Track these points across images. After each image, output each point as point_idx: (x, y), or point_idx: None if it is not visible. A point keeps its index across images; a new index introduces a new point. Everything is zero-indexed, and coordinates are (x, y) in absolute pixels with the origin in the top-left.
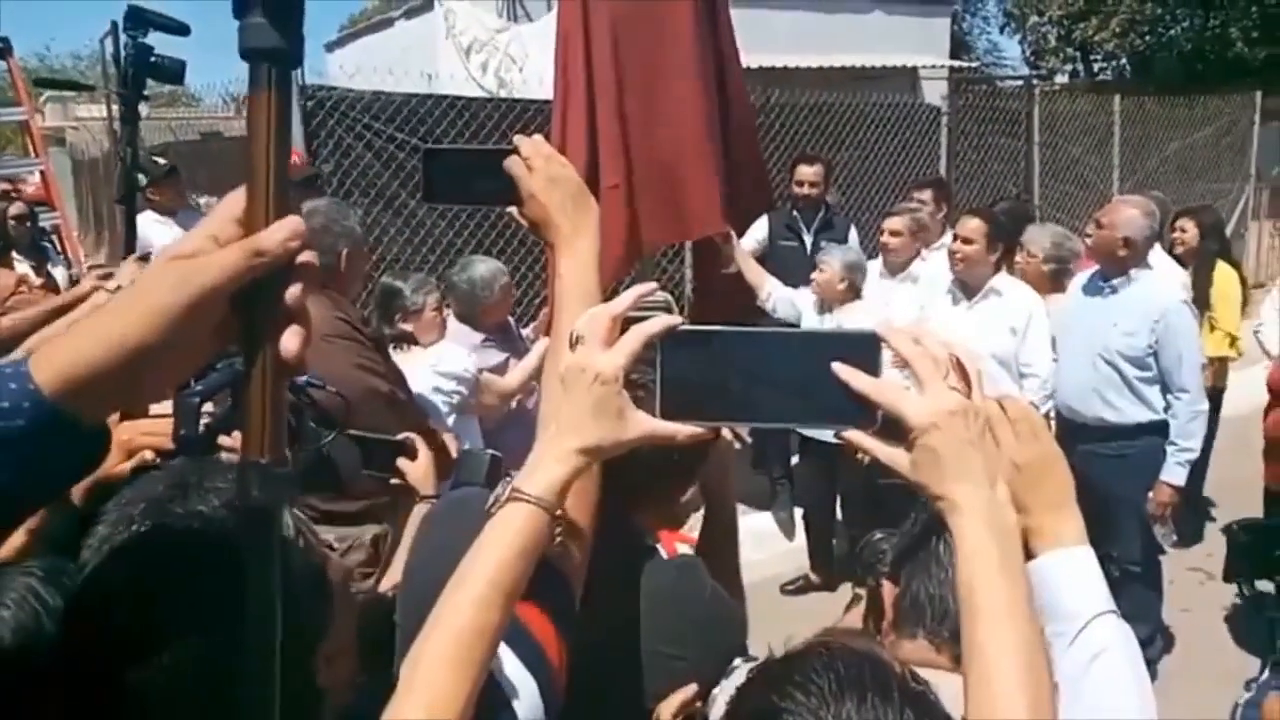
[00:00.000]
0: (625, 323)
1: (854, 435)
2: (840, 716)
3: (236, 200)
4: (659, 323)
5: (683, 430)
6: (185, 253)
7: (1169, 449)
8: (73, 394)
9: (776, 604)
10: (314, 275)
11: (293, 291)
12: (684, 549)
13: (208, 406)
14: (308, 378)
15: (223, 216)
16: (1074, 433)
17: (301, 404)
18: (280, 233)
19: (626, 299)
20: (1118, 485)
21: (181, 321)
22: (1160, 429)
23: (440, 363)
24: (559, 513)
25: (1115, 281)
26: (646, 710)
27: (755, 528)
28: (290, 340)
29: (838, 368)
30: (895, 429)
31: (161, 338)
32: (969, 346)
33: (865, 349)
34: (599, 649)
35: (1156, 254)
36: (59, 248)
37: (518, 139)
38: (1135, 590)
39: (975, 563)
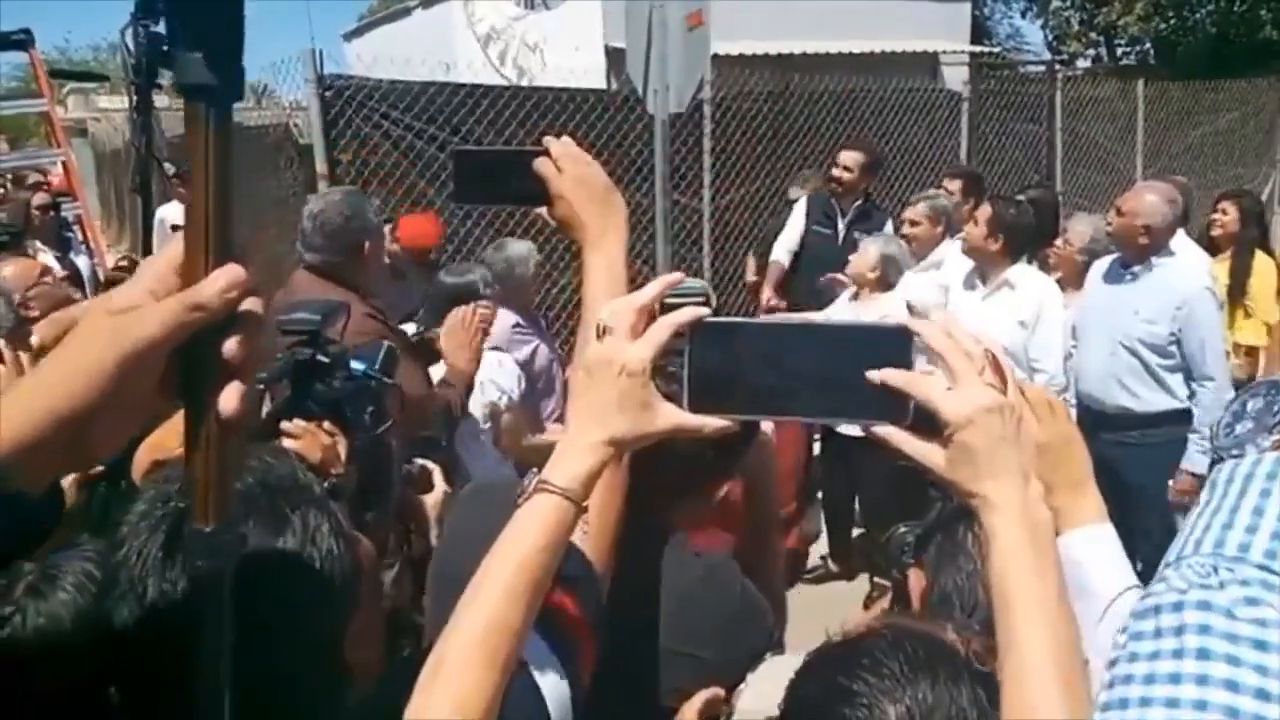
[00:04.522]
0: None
1: (885, 431)
2: (915, 698)
3: (175, 250)
4: (686, 314)
5: (710, 423)
6: (120, 307)
7: (1191, 437)
8: (10, 467)
9: (795, 592)
10: (256, 323)
11: (230, 346)
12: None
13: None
14: (364, 367)
15: (160, 268)
16: (1096, 421)
17: (359, 393)
18: (218, 283)
19: (652, 289)
20: (1140, 474)
21: (116, 379)
22: (1183, 417)
23: (496, 371)
24: (585, 504)
25: (1136, 268)
26: (666, 708)
27: None
28: (228, 399)
29: (871, 374)
30: (926, 424)
31: (97, 397)
32: (986, 336)
33: (896, 344)
34: (618, 644)
35: (1181, 239)
36: (81, 237)
37: (547, 140)
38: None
39: (1011, 561)
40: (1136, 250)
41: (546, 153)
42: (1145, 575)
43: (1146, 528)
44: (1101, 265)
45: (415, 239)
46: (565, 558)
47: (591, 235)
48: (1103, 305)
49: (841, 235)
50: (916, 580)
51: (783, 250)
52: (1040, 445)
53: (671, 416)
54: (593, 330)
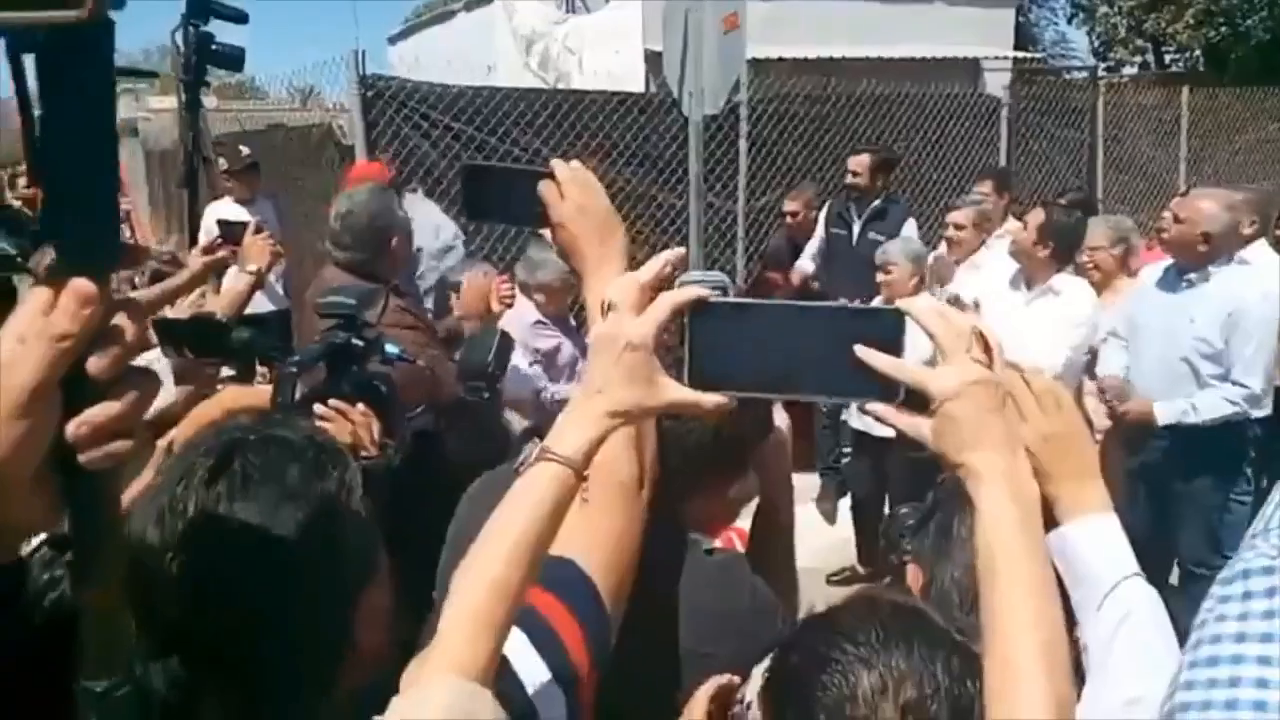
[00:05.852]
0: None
1: (877, 408)
2: (889, 665)
3: (41, 297)
4: (687, 292)
5: (708, 399)
6: None
7: (1187, 401)
8: None
9: (823, 595)
10: (123, 338)
11: (93, 362)
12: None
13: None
14: (399, 351)
15: (26, 314)
16: (1149, 428)
17: (392, 380)
18: (69, 306)
19: (654, 266)
20: (1187, 482)
21: (9, 439)
22: (1237, 426)
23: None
24: (586, 474)
25: (1193, 276)
26: (677, 706)
27: (801, 517)
28: (75, 421)
29: (859, 350)
30: (920, 403)
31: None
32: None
33: (889, 325)
34: (635, 643)
35: (1259, 249)
36: (131, 232)
37: (554, 163)
38: (1199, 592)
39: (995, 529)
40: (1194, 257)
41: (551, 175)
42: (1186, 581)
43: (1191, 537)
44: (1155, 271)
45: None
46: (576, 592)
47: (590, 265)
48: (1157, 313)
49: (856, 236)
50: (914, 576)
51: (806, 258)
52: (1046, 435)
53: (672, 392)
54: (592, 374)
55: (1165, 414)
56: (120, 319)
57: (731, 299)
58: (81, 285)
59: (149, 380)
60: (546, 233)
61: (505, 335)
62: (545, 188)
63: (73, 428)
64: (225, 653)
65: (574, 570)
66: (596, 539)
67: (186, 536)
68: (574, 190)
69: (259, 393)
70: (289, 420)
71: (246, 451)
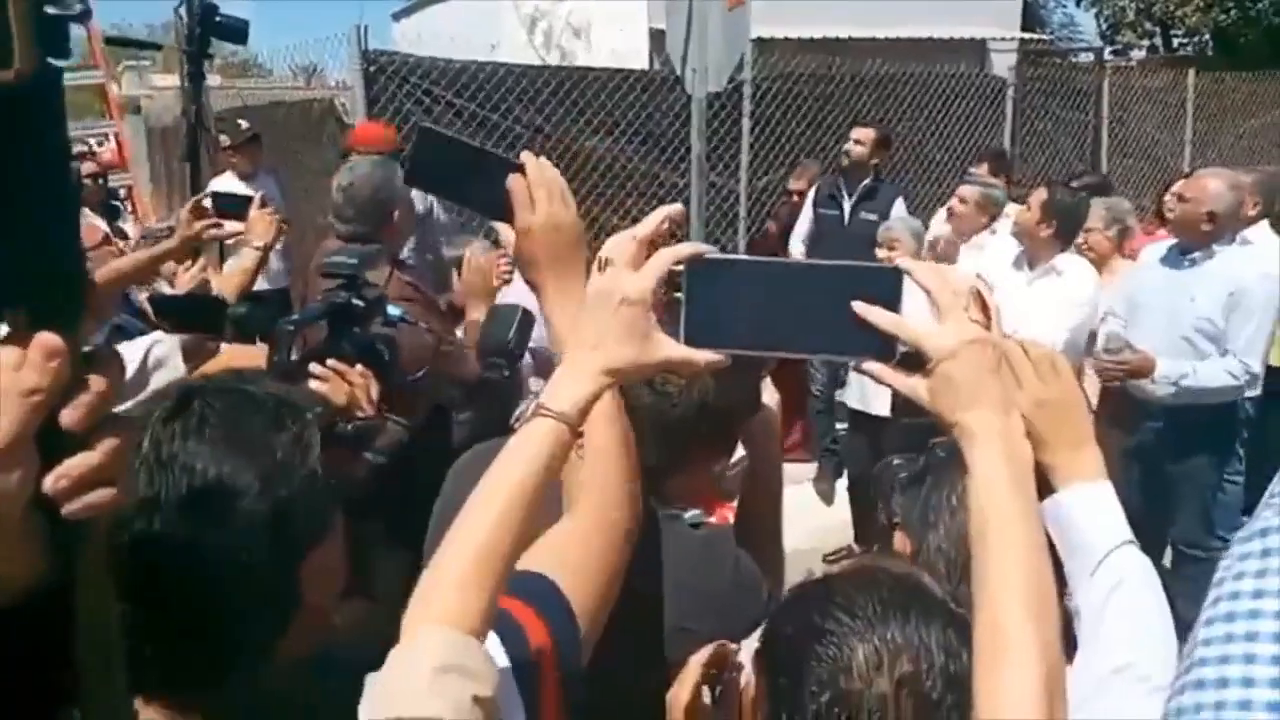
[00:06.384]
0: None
1: (873, 367)
2: (885, 638)
3: (8, 350)
4: (685, 248)
5: (703, 356)
6: None
7: (1189, 365)
8: None
9: (819, 572)
10: (94, 388)
11: (67, 414)
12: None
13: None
14: (400, 313)
15: None
16: (1142, 409)
17: (394, 342)
18: (36, 361)
19: (651, 222)
20: (1182, 465)
21: None
22: (1229, 407)
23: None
24: (581, 430)
25: (1196, 255)
26: (666, 677)
27: (799, 499)
28: (52, 474)
29: (858, 305)
30: (916, 363)
31: None
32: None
33: (887, 283)
34: (618, 621)
35: (1261, 230)
36: (131, 207)
37: (525, 156)
38: (1192, 573)
39: (988, 489)
40: (1198, 236)
41: (521, 169)
42: (1179, 562)
43: (1184, 518)
44: (1158, 249)
45: (370, 143)
46: (550, 604)
47: (549, 285)
48: (1159, 290)
49: (847, 216)
50: (901, 543)
51: (796, 241)
52: (1042, 401)
53: (668, 348)
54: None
55: (1165, 369)
56: (94, 379)
57: (730, 256)
58: (47, 339)
59: (129, 427)
60: (501, 226)
61: (527, 312)
62: (515, 185)
63: (50, 481)
64: (159, 591)
65: (548, 584)
66: (578, 562)
67: (133, 471)
68: (544, 195)
69: (259, 353)
70: (257, 377)
71: (206, 396)
